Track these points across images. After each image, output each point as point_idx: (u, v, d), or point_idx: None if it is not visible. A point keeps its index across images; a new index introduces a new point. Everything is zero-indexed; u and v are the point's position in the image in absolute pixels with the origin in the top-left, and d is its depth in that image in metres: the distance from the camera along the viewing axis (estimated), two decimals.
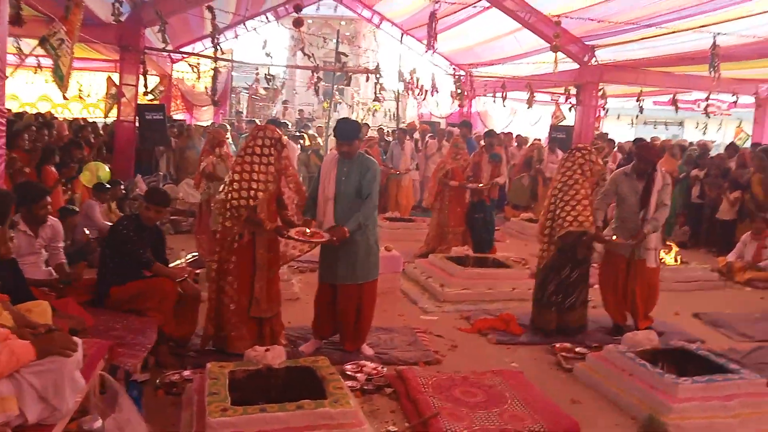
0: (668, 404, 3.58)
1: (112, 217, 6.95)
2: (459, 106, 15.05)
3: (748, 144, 13.37)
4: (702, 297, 6.70)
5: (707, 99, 12.01)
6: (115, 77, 10.76)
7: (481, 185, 7.78)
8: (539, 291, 5.23)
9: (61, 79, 5.85)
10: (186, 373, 3.91)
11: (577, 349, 4.76)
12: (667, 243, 7.49)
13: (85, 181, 7.63)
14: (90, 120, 12.06)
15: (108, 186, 7.26)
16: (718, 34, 8.84)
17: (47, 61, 7.40)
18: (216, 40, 9.46)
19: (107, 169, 7.96)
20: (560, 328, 5.11)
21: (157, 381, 3.80)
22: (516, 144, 13.44)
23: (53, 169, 6.95)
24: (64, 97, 9.09)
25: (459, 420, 3.44)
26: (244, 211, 4.17)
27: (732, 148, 10.38)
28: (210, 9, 9.34)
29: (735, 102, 12.57)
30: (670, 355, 4.26)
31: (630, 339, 4.29)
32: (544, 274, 5.17)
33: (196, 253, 6.90)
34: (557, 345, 4.84)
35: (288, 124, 13.06)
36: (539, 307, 5.22)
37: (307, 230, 4.32)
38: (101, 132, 10.43)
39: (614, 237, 5.13)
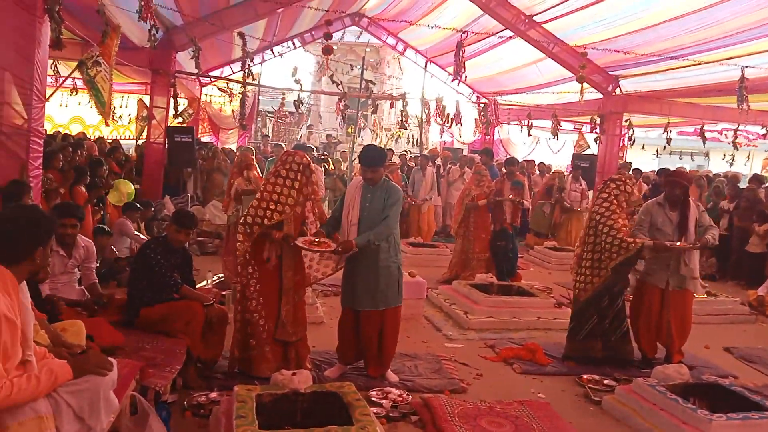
0: None
1: (139, 238, 7.06)
2: (482, 134, 15.09)
3: None
4: (732, 331, 6.57)
5: (735, 131, 11.88)
6: (146, 100, 11.01)
7: (510, 198, 7.77)
8: (579, 322, 5.15)
9: (102, 106, 6.03)
10: (213, 395, 3.92)
11: (606, 381, 4.69)
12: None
13: (114, 201, 7.78)
14: (116, 140, 12.31)
15: (138, 205, 7.39)
16: (746, 66, 8.79)
17: (83, 85, 7.61)
18: (246, 65, 9.64)
19: (132, 187, 8.11)
20: (609, 357, 5.06)
21: (185, 402, 3.82)
22: (538, 172, 13.42)
23: (83, 189, 7.10)
24: (107, 124, 9.32)
25: None
26: (257, 229, 4.22)
27: (756, 180, 10.25)
28: (241, 35, 9.56)
29: (765, 135, 12.42)
30: (702, 390, 4.17)
31: (660, 372, 4.22)
32: (584, 305, 5.10)
33: (222, 275, 6.97)
34: (585, 376, 4.77)
35: (313, 149, 13.20)
36: (579, 339, 5.13)
37: (316, 239, 4.34)
38: (129, 154, 10.64)
39: (678, 243, 5.01)
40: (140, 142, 11.70)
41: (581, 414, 4.21)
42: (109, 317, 4.10)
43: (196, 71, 10.47)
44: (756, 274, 8.54)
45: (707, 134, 14.32)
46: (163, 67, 10.23)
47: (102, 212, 7.42)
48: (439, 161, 12.95)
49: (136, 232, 7.01)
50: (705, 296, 7.09)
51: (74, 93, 11.12)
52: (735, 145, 12.14)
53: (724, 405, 3.92)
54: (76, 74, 6.85)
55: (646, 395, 4.04)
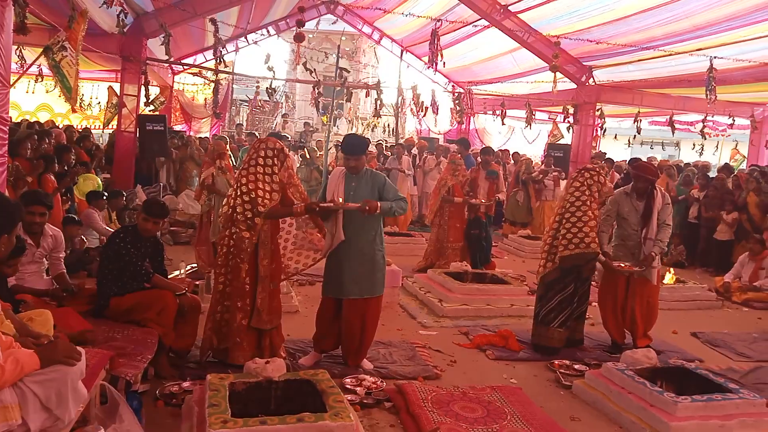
0: (667, 423, 3.59)
1: (112, 227, 6.95)
2: (458, 123, 15.15)
3: (743, 166, 13.52)
4: (700, 316, 6.73)
5: (704, 121, 12.12)
6: (117, 88, 10.80)
7: (483, 202, 7.85)
8: (539, 306, 5.22)
9: (69, 91, 5.89)
10: (185, 384, 3.89)
11: (576, 367, 4.77)
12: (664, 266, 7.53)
13: (78, 194, 7.64)
14: (86, 128, 12.05)
15: (104, 193, 7.26)
16: (715, 57, 8.96)
17: (49, 71, 7.43)
18: (219, 53, 9.51)
19: (99, 180, 7.96)
20: (566, 346, 5.12)
21: (157, 392, 3.78)
22: (513, 162, 13.53)
23: (52, 177, 6.95)
24: (73, 109, 9.12)
25: None
26: (258, 221, 4.18)
27: (726, 169, 10.48)
28: (213, 21, 9.41)
29: (731, 125, 12.69)
30: (669, 373, 4.27)
31: (629, 357, 4.30)
32: (545, 289, 5.18)
33: (195, 265, 6.91)
34: (556, 362, 4.85)
35: (288, 137, 13.11)
36: (539, 324, 5.20)
37: (339, 199, 4.32)
38: (98, 143, 10.44)
39: (623, 265, 5.14)
40: (108, 131, 11.48)
41: (552, 398, 4.28)
42: (78, 307, 4.03)
43: (167, 60, 10.30)
44: (724, 261, 8.76)
45: (678, 125, 14.61)
46: (134, 54, 10.05)
47: (70, 202, 7.27)
48: (415, 151, 12.98)
49: (104, 226, 6.87)
50: (671, 282, 7.26)
51: (40, 79, 10.85)
52: (703, 135, 12.38)
53: (690, 388, 4.02)
54: (42, 60, 6.68)
55: (615, 379, 4.12)
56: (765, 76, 9.59)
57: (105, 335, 3.76)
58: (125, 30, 8.08)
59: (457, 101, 13.12)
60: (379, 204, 4.29)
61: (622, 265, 5.14)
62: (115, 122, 10.57)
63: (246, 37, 15.34)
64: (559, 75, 11.78)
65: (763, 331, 6.23)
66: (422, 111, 13.37)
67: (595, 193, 5.15)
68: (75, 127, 11.70)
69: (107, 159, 9.95)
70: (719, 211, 9.11)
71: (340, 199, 4.35)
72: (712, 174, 10.69)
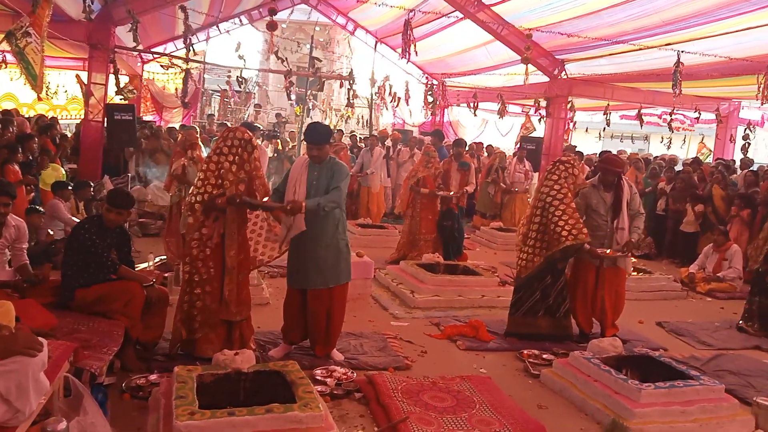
0: (631, 409, 3.67)
1: (79, 218, 6.81)
2: (431, 114, 15.19)
3: (710, 159, 13.84)
4: (665, 306, 6.88)
5: (671, 114, 12.37)
6: (84, 76, 10.56)
7: (451, 193, 7.89)
8: (519, 298, 5.29)
9: (34, 79, 5.73)
10: (153, 377, 3.85)
11: (544, 356, 4.85)
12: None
13: (43, 184, 7.47)
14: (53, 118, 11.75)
15: (69, 183, 7.11)
16: (682, 52, 9.14)
17: (13, 58, 7.22)
18: (188, 41, 9.35)
19: (63, 172, 7.79)
20: (553, 335, 5.21)
21: (123, 385, 3.73)
22: (486, 154, 13.61)
23: (15, 167, 6.77)
24: (39, 98, 8.88)
25: (428, 424, 3.47)
26: (199, 207, 4.14)
27: (695, 162, 10.71)
28: (183, 9, 9.24)
29: (697, 119, 12.96)
30: (634, 361, 4.36)
31: (595, 346, 4.38)
32: (525, 282, 5.24)
33: (165, 257, 6.81)
34: (525, 351, 4.92)
35: (260, 128, 12.98)
36: (519, 315, 5.26)
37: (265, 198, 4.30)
38: (65, 132, 10.21)
39: (608, 251, 5.21)
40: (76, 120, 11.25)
41: (521, 387, 4.34)
42: (42, 299, 3.94)
43: (137, 48, 10.09)
44: (689, 253, 8.96)
45: (649, 119, 14.87)
46: (102, 41, 9.81)
47: (35, 192, 7.11)
48: (389, 143, 12.98)
49: (70, 216, 6.73)
50: (638, 274, 7.40)
51: (4, 66, 10.54)
52: (671, 128, 12.63)
53: (654, 375, 4.11)
54: (5, 46, 6.49)
55: (581, 367, 4.19)
56: (730, 72, 9.81)
57: (70, 327, 3.70)
58: (92, 16, 7.87)
59: (429, 92, 13.12)
60: (304, 204, 4.22)
61: (607, 251, 5.21)
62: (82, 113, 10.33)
63: (218, 26, 15.12)
64: (532, 68, 11.89)
65: (725, 321, 6.40)
66: (395, 101, 13.34)
67: (571, 185, 5.22)
68: (45, 116, 11.43)
69: (74, 149, 9.73)
70: (685, 204, 9.31)
71: (267, 199, 4.31)
72: (680, 167, 10.91)
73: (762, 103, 8.80)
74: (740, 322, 6.15)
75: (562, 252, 5.07)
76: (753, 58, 9.00)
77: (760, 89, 8.58)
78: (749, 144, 11.71)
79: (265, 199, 4.41)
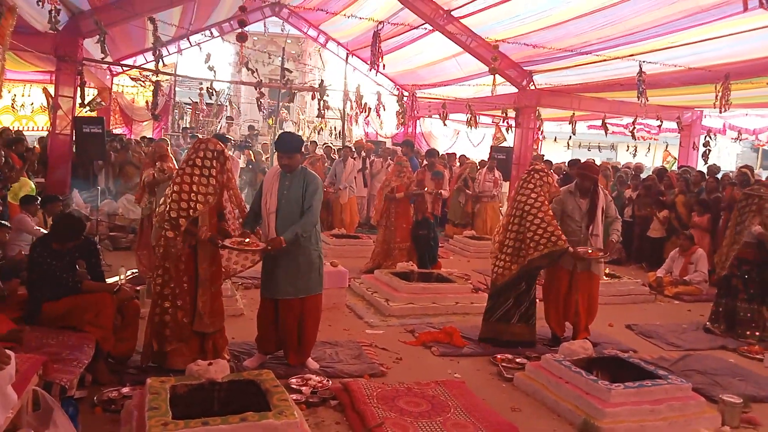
0: (602, 409, 3.75)
1: (39, 233, 6.67)
2: (402, 125, 15.31)
3: (675, 167, 14.19)
4: (634, 310, 7.03)
5: (634, 123, 12.69)
6: (51, 89, 10.40)
7: (426, 190, 7.99)
8: (493, 305, 5.35)
9: None
10: (125, 390, 3.81)
11: (518, 360, 4.92)
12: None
13: (12, 198, 7.33)
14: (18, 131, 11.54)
15: (37, 197, 6.98)
16: (644, 62, 9.41)
17: None
18: (158, 52, 9.28)
19: (32, 185, 7.66)
20: (526, 341, 5.28)
21: (95, 398, 3.68)
22: (458, 164, 13.76)
23: None
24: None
25: (403, 429, 3.49)
26: (183, 222, 4.12)
27: (660, 171, 10.99)
28: (152, 20, 9.18)
29: (659, 126, 13.32)
30: (605, 363, 4.45)
31: (566, 348, 4.46)
32: (501, 289, 5.30)
33: (136, 270, 6.73)
34: (498, 356, 4.98)
35: (232, 140, 12.93)
36: (493, 321, 5.32)
37: (244, 240, 4.29)
38: (32, 145, 10.02)
39: (590, 251, 5.30)
40: (45, 133, 11.05)
41: (494, 391, 4.39)
42: (10, 314, 3.88)
43: (106, 60, 9.98)
44: (656, 257, 9.18)
45: (615, 128, 15.21)
46: (69, 54, 9.68)
47: (2, 206, 6.96)
48: (363, 153, 13.03)
49: (38, 228, 6.61)
50: (608, 279, 7.55)
51: None
52: (634, 136, 12.94)
53: (624, 376, 4.19)
54: None
55: (553, 370, 4.27)
56: (690, 80, 10.12)
57: (38, 341, 3.64)
58: (58, 27, 7.77)
59: (399, 102, 13.24)
60: (282, 239, 4.26)
61: (589, 251, 5.30)
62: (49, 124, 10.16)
63: (188, 39, 15.05)
64: (501, 79, 12.09)
65: (692, 323, 6.56)
66: (365, 111, 13.41)
67: (546, 193, 5.30)
68: (9, 129, 11.20)
69: (42, 162, 9.56)
70: (651, 210, 9.55)
71: (246, 240, 4.31)
72: (646, 175, 11.18)
73: (720, 111, 9.09)
74: (707, 323, 6.32)
75: (544, 258, 5.12)
76: (711, 68, 9.30)
77: (718, 98, 8.86)
78: (710, 151, 12.06)
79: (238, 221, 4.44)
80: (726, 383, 4.69)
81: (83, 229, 4.32)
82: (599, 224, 5.41)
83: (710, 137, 12.32)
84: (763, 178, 10.09)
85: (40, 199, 7.09)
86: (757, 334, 6.01)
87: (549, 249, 5.04)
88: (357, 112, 13.47)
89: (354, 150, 11.98)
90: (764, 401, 4.45)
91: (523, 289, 5.28)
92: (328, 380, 4.24)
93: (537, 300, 5.45)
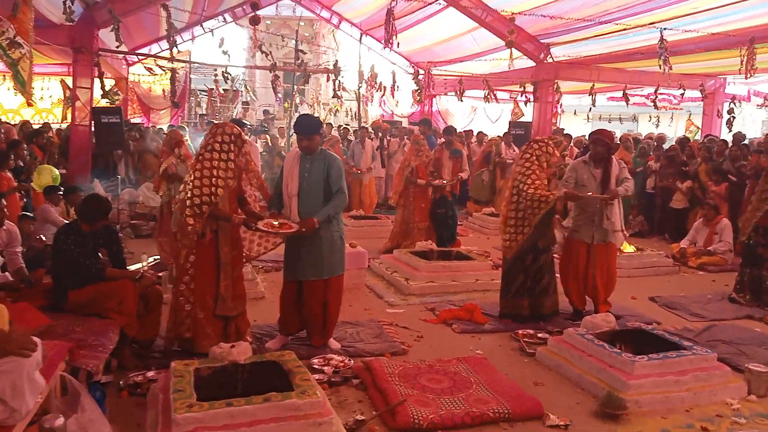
0: (626, 381, 3.72)
1: (63, 223, 6.80)
2: (418, 103, 15.20)
3: (698, 136, 13.90)
4: (657, 281, 6.95)
5: (656, 93, 12.42)
6: (69, 81, 10.51)
7: (445, 182, 7.92)
8: (508, 280, 5.33)
9: (23, 85, 5.70)
10: (150, 373, 3.87)
11: (539, 335, 4.89)
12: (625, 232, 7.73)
13: (36, 186, 7.45)
14: (45, 124, 11.71)
15: (60, 188, 7.10)
16: (665, 29, 9.16)
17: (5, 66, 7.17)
18: (172, 39, 9.30)
19: (56, 172, 7.78)
20: (534, 314, 5.25)
21: (121, 383, 3.75)
22: (476, 141, 13.63)
23: (9, 174, 6.77)
24: (29, 103, 8.81)
25: (425, 406, 3.51)
26: (206, 208, 4.15)
27: (682, 141, 10.77)
28: (165, 7, 9.18)
29: (682, 95, 13.02)
30: (628, 336, 4.41)
31: (589, 322, 4.43)
32: (511, 262, 5.28)
33: (158, 257, 6.82)
34: (520, 331, 4.96)
35: (249, 125, 12.97)
36: (510, 296, 5.32)
37: (275, 222, 4.32)
38: (52, 136, 10.16)
39: (589, 193, 5.26)
40: (64, 125, 11.18)
41: (517, 366, 4.38)
42: (36, 302, 3.96)
43: (121, 50, 10.03)
44: (679, 228, 9.04)
45: (636, 99, 14.91)
46: (85, 45, 9.75)
47: (26, 198, 7.09)
48: (379, 134, 12.98)
49: (61, 219, 6.73)
50: (632, 250, 7.45)
51: None
52: (656, 106, 12.68)
53: (647, 348, 4.15)
54: None
55: (575, 344, 4.24)
56: (713, 47, 9.85)
57: (65, 328, 3.70)
58: (73, 18, 7.81)
59: (415, 80, 13.11)
60: (316, 220, 4.28)
61: (589, 194, 5.26)
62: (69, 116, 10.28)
63: (202, 25, 15.03)
64: (518, 53, 11.90)
65: (716, 293, 6.47)
66: (380, 90, 13.32)
67: (544, 163, 5.27)
68: (30, 122, 11.38)
69: (62, 153, 9.70)
70: (673, 181, 9.37)
71: (276, 222, 4.31)
72: (668, 145, 10.95)
73: (746, 77, 8.84)
74: (732, 293, 6.22)
75: (538, 226, 5.11)
76: (735, 32, 9.04)
77: (743, 63, 8.62)
78: (734, 118, 11.76)
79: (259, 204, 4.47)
80: (752, 352, 4.63)
81: (110, 208, 4.39)
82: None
83: (734, 104, 12.01)
84: None
85: (62, 189, 7.21)
86: None
87: (544, 210, 5.05)
88: (372, 92, 13.38)
89: (371, 131, 11.92)
90: None
91: (530, 263, 5.23)
92: (349, 359, 4.27)
93: (555, 273, 5.41)
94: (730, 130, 11.37)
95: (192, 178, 4.23)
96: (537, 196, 5.06)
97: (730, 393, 3.86)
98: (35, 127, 10.60)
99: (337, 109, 17.00)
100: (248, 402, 3.03)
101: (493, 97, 13.70)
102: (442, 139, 8.83)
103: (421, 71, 14.74)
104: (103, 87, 9.98)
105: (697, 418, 3.60)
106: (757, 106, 14.98)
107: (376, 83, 12.82)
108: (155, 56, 13.67)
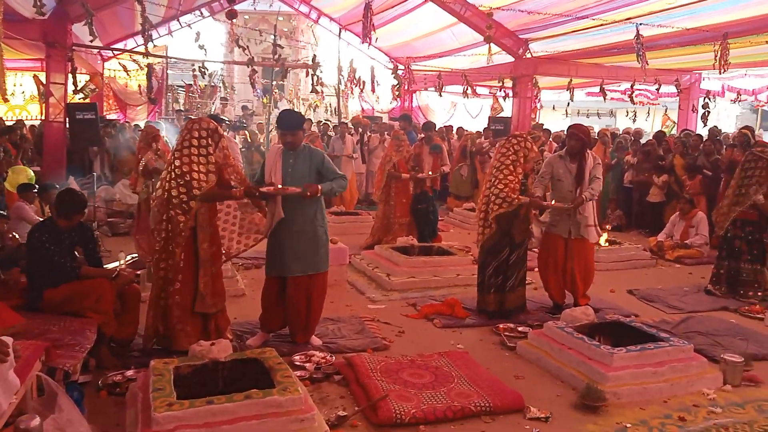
0: (605, 373, 3.77)
1: (37, 221, 6.67)
2: (398, 99, 15.19)
3: (675, 131, 14.10)
4: (635, 275, 7.04)
5: (632, 87, 12.58)
6: (42, 77, 10.30)
7: (429, 175, 7.93)
8: (480, 274, 5.37)
9: None
10: (129, 372, 3.82)
11: (520, 329, 4.93)
12: (604, 226, 7.82)
13: (9, 186, 7.30)
14: (18, 120, 11.47)
15: (34, 186, 6.96)
16: (640, 24, 9.27)
17: None
18: (147, 34, 9.15)
19: (31, 173, 7.63)
20: (501, 310, 5.26)
21: (99, 382, 3.70)
22: (456, 137, 13.67)
23: None
24: (4, 99, 8.61)
25: (407, 401, 3.51)
26: (194, 204, 4.10)
27: (658, 135, 10.92)
28: (140, 1, 9.03)
29: (658, 90, 13.19)
30: (607, 328, 4.47)
31: (568, 315, 4.47)
32: (483, 256, 5.31)
33: (136, 255, 6.72)
34: (501, 325, 5.00)
35: (227, 120, 12.83)
36: (481, 291, 5.36)
37: (279, 185, 4.28)
38: (26, 133, 9.97)
39: (553, 201, 5.31)
40: (37, 122, 10.98)
41: (497, 360, 4.41)
42: (11, 301, 3.88)
43: (95, 45, 9.85)
44: (657, 222, 9.17)
45: (614, 95, 15.07)
46: (59, 40, 9.56)
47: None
48: (359, 129, 12.96)
49: (36, 217, 6.60)
50: (608, 245, 7.54)
51: None
52: (632, 100, 12.84)
53: (626, 340, 4.21)
54: None
55: (555, 336, 4.28)
56: (688, 42, 9.99)
57: (41, 328, 3.64)
58: (44, 12, 7.65)
59: (394, 74, 13.09)
60: (320, 187, 4.28)
61: (553, 202, 5.31)
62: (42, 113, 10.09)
63: (179, 20, 14.84)
64: (497, 48, 11.95)
65: (693, 285, 6.58)
66: (359, 86, 13.28)
67: (521, 158, 5.27)
68: (2, 119, 11.14)
69: (36, 150, 9.51)
70: (650, 175, 9.51)
71: (279, 185, 4.29)
72: (646, 140, 11.10)
73: (720, 72, 8.99)
74: (708, 285, 6.33)
75: (498, 220, 5.13)
76: (709, 28, 9.18)
77: (717, 58, 8.76)
78: (708, 113, 11.95)
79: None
80: (727, 343, 4.72)
81: (86, 202, 4.31)
82: (587, 186, 5.37)
83: (709, 99, 12.20)
84: (765, 139, 10.03)
85: (37, 187, 7.07)
86: (759, 294, 6.03)
87: (504, 209, 5.07)
88: (351, 87, 13.34)
89: (351, 126, 11.89)
90: (765, 359, 4.48)
91: (504, 257, 5.24)
92: (331, 356, 4.26)
93: (525, 269, 5.45)
94: (705, 125, 11.56)
95: (171, 176, 4.17)
96: (503, 194, 5.08)
97: (706, 383, 3.93)
98: (8, 123, 10.38)
99: (316, 105, 16.92)
100: (229, 400, 3.00)
101: (472, 92, 13.73)
102: (422, 135, 8.84)
103: (401, 66, 14.74)
104: (75, 83, 9.79)
105: (674, 409, 3.66)
106: (731, 101, 15.24)
107: (355, 78, 12.77)
108: (130, 51, 13.47)
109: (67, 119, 9.61)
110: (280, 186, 4.28)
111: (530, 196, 5.21)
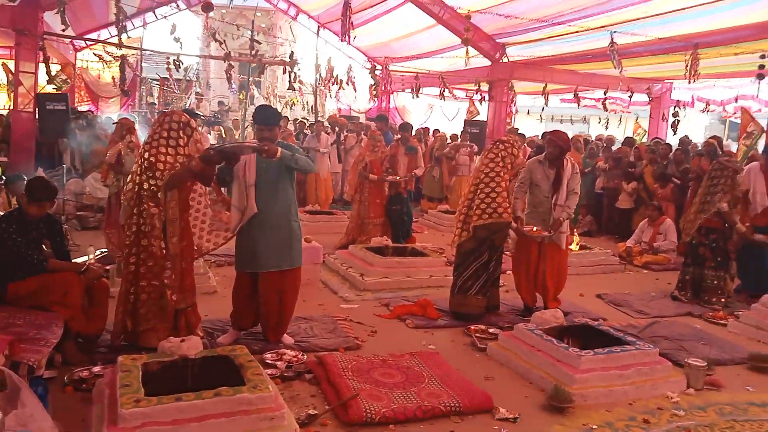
0: (572, 375, 3.83)
1: None
2: (376, 99, 15.21)
3: (646, 139, 14.39)
4: (604, 279, 7.17)
5: (605, 95, 12.81)
6: (12, 65, 10.06)
7: (399, 178, 7.95)
8: (457, 276, 5.38)
9: None
10: (96, 368, 3.76)
11: (491, 330, 4.98)
12: (574, 231, 7.93)
13: None
14: None
15: (1, 176, 6.80)
16: (615, 32, 9.46)
17: None
18: (121, 25, 9.00)
19: None
20: (474, 313, 5.28)
21: (65, 378, 3.62)
22: (433, 139, 13.74)
23: None
24: None
25: (378, 400, 3.52)
26: (161, 195, 4.04)
27: (628, 142, 11.14)
28: None
29: (630, 98, 13.46)
30: (575, 331, 4.53)
31: (538, 318, 4.53)
32: (461, 259, 5.34)
33: (106, 249, 6.62)
34: (472, 327, 5.04)
35: (201, 116, 12.70)
36: (461, 293, 5.32)
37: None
38: None
39: (534, 229, 5.37)
40: (4, 111, 10.72)
41: (468, 361, 4.45)
42: None
43: (67, 34, 9.66)
44: (625, 228, 9.35)
45: (587, 102, 15.32)
46: (29, 27, 9.35)
47: None
48: (336, 128, 12.93)
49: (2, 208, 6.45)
50: (579, 249, 7.67)
51: None
52: (605, 107, 13.08)
53: (594, 343, 4.27)
54: None
55: (525, 339, 4.33)
56: (661, 51, 10.21)
57: (4, 321, 3.56)
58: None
59: (372, 74, 13.11)
60: (280, 149, 4.18)
61: (534, 229, 5.37)
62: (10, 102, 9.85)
63: (154, 12, 14.62)
64: (474, 52, 12.04)
65: (660, 291, 6.72)
66: (336, 84, 13.26)
67: (509, 165, 5.32)
68: None
69: (4, 140, 9.28)
70: (620, 182, 9.69)
71: (252, 182, 4.24)
72: (617, 147, 11.31)
73: (689, 81, 9.21)
74: (674, 291, 6.47)
75: (486, 228, 5.14)
76: (680, 38, 9.40)
77: (687, 68, 8.97)
78: (678, 122, 12.24)
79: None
80: (691, 348, 4.83)
81: (56, 190, 4.21)
82: (563, 195, 5.45)
83: (679, 108, 12.50)
84: (732, 149, 10.30)
85: (4, 179, 6.90)
86: (723, 300, 6.18)
87: (492, 220, 5.09)
88: (329, 85, 13.31)
89: (328, 125, 11.86)
90: (727, 364, 4.60)
91: (484, 262, 5.27)
92: (303, 354, 4.25)
93: (501, 273, 5.51)
94: (675, 133, 11.84)
95: (141, 169, 4.10)
96: (494, 205, 5.07)
97: (670, 386, 4.02)
98: None
99: (294, 103, 16.83)
100: (198, 397, 2.96)
101: (449, 93, 13.82)
102: (398, 136, 8.87)
103: (379, 66, 14.75)
104: (48, 72, 9.59)
105: (639, 411, 3.73)
106: (700, 111, 15.63)
107: (333, 77, 12.74)
108: (104, 42, 13.23)
109: (37, 109, 9.41)
110: (235, 141, 4.21)
111: (512, 212, 5.25)
